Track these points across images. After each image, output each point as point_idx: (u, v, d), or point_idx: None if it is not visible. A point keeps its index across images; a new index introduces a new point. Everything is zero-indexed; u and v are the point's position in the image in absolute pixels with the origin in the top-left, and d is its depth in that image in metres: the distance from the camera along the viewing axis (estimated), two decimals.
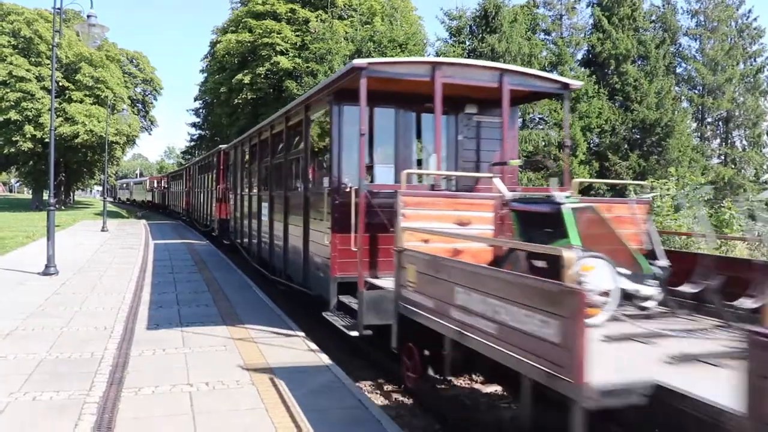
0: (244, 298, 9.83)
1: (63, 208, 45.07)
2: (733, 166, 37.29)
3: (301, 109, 8.61)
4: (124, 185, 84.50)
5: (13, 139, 39.74)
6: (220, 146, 19.95)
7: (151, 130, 57.56)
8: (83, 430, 4.31)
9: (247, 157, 13.90)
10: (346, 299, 6.84)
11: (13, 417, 4.54)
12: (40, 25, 40.94)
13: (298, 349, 6.57)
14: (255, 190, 12.48)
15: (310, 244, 8.09)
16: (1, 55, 40.12)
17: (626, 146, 32.63)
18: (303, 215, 8.22)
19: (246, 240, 13.73)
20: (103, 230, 24.13)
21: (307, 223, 8.20)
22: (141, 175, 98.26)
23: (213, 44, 40.32)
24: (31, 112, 39.48)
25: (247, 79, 33.70)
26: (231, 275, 12.47)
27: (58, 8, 12.37)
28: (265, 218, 11.22)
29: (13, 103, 39.06)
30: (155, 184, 54.17)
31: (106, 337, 6.96)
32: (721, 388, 2.55)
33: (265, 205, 11.26)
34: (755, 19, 39.19)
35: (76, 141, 39.99)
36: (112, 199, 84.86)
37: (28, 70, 40.03)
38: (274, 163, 10.75)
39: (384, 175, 7.73)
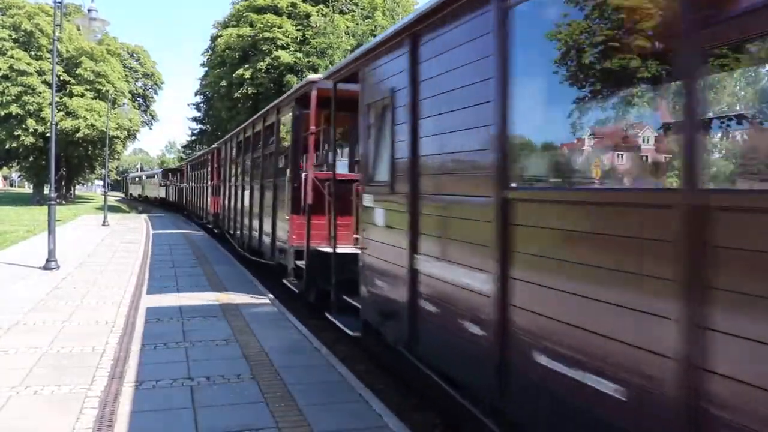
0: None
1: (64, 202, 45.09)
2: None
3: None
4: (136, 179, 73.44)
5: (15, 133, 39.77)
6: (311, 77, 8.98)
7: (151, 124, 57.70)
8: (84, 424, 4.32)
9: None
10: None
11: (15, 411, 4.55)
12: (41, 18, 40.88)
13: None
14: None
15: None
16: (2, 49, 40.09)
17: None
18: None
19: None
20: (104, 225, 24.15)
21: None
22: (141, 169, 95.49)
23: (214, 38, 40.26)
24: (32, 106, 39.51)
25: (247, 74, 33.68)
26: None
27: (59, 2, 12.35)
28: None
29: (14, 98, 39.07)
30: (169, 177, 44.95)
31: (107, 332, 6.97)
32: None
33: None
34: None
35: (77, 135, 40.02)
36: (123, 196, 79.64)
37: (29, 64, 40.02)
38: None
39: None
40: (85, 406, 4.64)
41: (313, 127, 8.66)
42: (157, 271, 12.04)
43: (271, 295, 9.50)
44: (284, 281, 9.36)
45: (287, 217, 9.14)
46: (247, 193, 13.44)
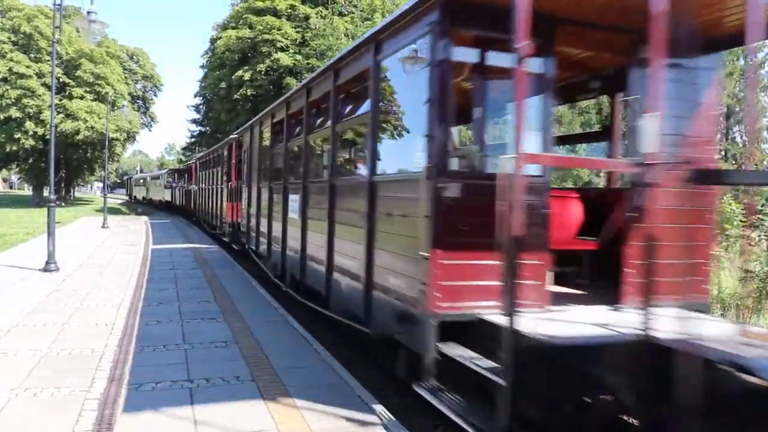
0: None
1: (63, 204, 45.08)
2: (733, 162, 37.25)
3: None
4: (140, 181, 66.98)
5: (15, 136, 39.76)
6: None
7: (151, 126, 57.73)
8: (84, 426, 4.32)
9: None
10: None
11: (14, 413, 4.55)
12: (40, 21, 40.85)
13: None
14: None
15: None
16: (1, 52, 40.08)
17: None
18: None
19: None
20: (103, 227, 24.14)
21: None
22: (141, 171, 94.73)
23: (213, 40, 40.28)
24: (32, 108, 39.48)
25: (247, 76, 33.69)
26: None
27: (58, 4, 12.35)
28: None
29: (13, 101, 39.05)
30: (175, 178, 40.52)
31: (107, 334, 6.97)
32: None
33: None
34: None
35: (76, 138, 40.02)
36: (127, 198, 77.02)
37: (28, 67, 39.99)
38: None
39: None
40: (84, 408, 4.64)
41: (527, 43, 3.15)
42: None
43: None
44: (421, 392, 4.46)
45: (425, 254, 4.43)
46: (295, 198, 8.76)
